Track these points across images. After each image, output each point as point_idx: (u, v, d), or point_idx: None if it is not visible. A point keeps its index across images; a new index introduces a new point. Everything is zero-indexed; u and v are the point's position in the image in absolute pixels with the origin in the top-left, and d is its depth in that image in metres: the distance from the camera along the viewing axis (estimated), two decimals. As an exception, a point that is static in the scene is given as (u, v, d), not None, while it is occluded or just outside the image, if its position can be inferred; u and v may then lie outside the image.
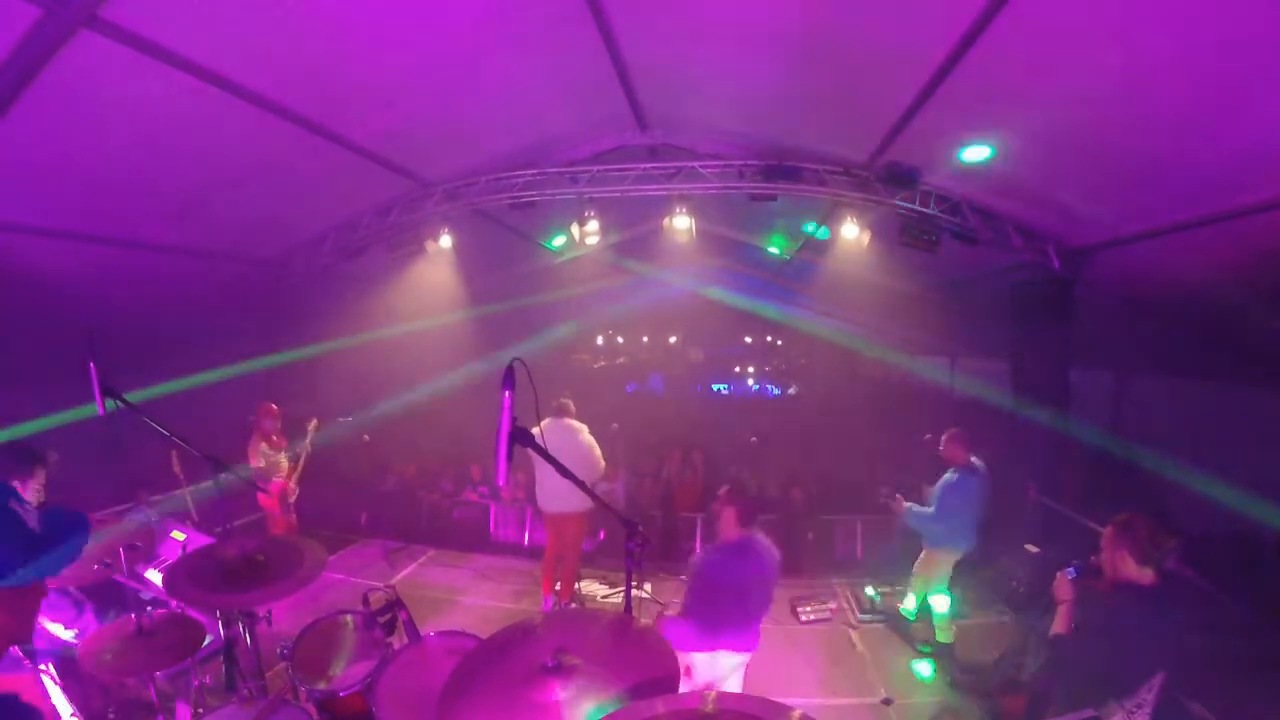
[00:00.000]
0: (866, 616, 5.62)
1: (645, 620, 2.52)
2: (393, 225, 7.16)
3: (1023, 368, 6.56)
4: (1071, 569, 2.81)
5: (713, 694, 1.43)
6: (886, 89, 4.60)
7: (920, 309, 9.94)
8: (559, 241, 10.19)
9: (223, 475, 3.10)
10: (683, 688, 2.00)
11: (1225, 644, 3.30)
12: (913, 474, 5.48)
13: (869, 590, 5.86)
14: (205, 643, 2.80)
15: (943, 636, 5.03)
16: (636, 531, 2.24)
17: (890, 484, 5.19)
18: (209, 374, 8.27)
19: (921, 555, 5.14)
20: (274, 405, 5.83)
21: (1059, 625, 2.74)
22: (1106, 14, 3.24)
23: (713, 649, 3.23)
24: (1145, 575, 2.50)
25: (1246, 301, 4.59)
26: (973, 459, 4.86)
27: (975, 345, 11.11)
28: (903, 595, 5.47)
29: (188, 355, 7.65)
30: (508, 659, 1.88)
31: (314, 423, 5.91)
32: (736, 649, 3.28)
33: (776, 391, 20.15)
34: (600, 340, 24.04)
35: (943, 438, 4.96)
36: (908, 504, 5.00)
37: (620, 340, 24.82)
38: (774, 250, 10.71)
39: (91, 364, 2.67)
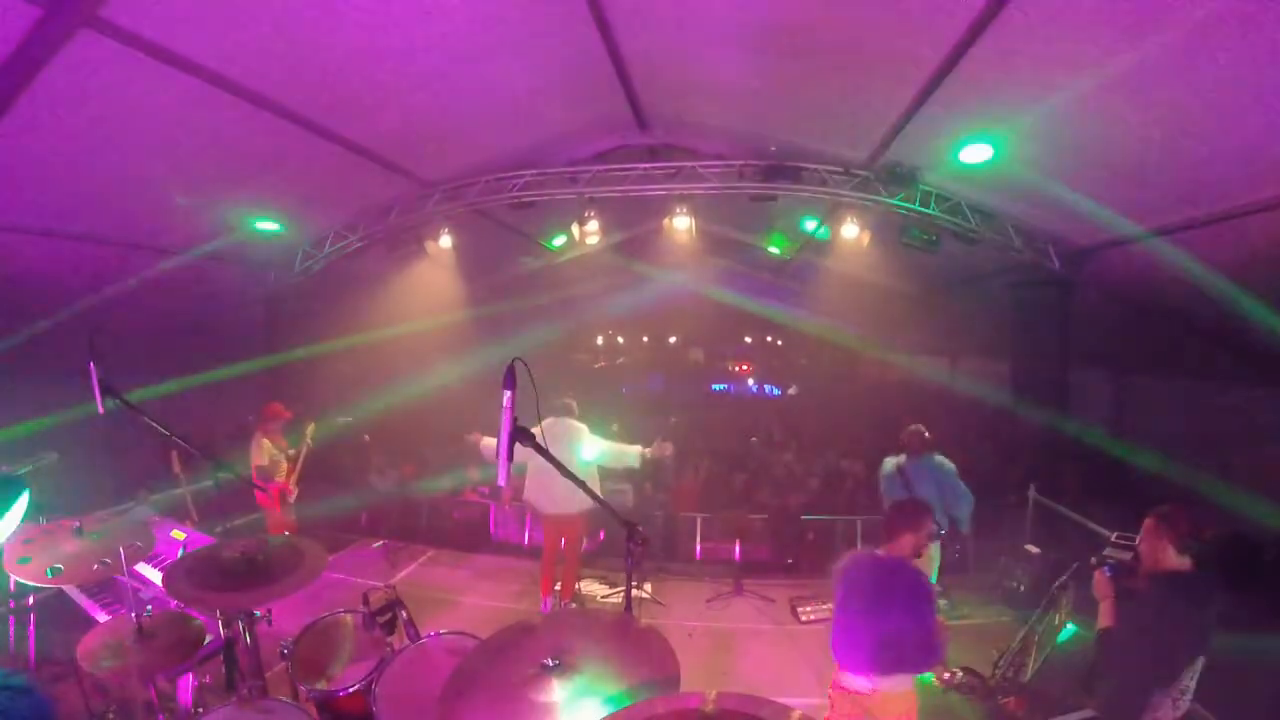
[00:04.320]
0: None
1: (645, 620, 2.51)
2: (393, 225, 7.16)
3: (1022, 368, 6.56)
4: (1107, 567, 2.90)
5: (713, 694, 1.43)
6: (887, 89, 4.61)
7: (920, 309, 9.95)
8: (559, 241, 10.19)
9: (222, 474, 3.09)
10: None
11: (1225, 643, 3.31)
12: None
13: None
14: (205, 643, 2.79)
15: None
16: (636, 532, 2.24)
17: None
18: (210, 374, 8.29)
19: None
20: (280, 406, 5.83)
21: (1105, 620, 2.79)
22: (1107, 14, 3.24)
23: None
24: (1184, 564, 2.57)
25: (1246, 302, 4.59)
26: (929, 455, 4.91)
27: (975, 345, 11.12)
28: None
29: (189, 355, 7.66)
30: (508, 659, 1.88)
31: (311, 426, 5.92)
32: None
33: (776, 392, 20.16)
34: (600, 340, 24.07)
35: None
36: None
37: (620, 340, 24.85)
38: (774, 250, 10.72)
39: (91, 364, 2.66)
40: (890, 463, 5.02)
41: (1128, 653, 2.64)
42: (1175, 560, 2.57)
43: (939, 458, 4.90)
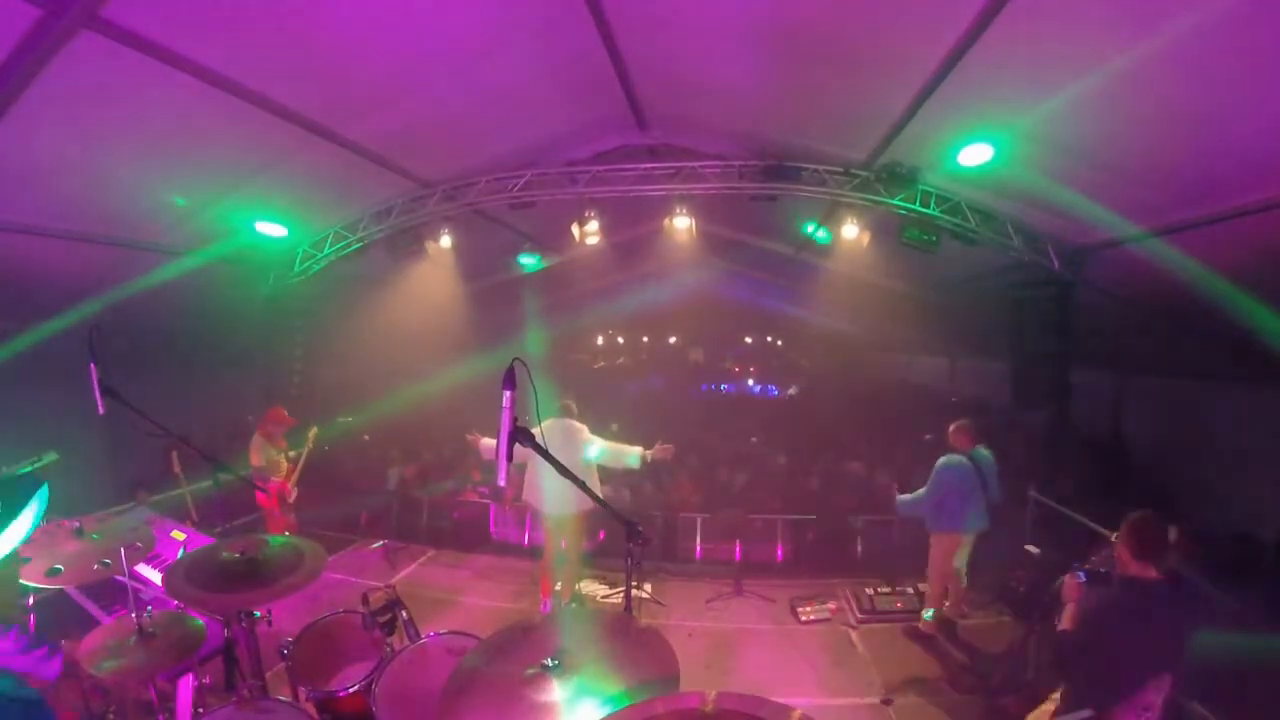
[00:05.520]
0: (866, 616, 5.62)
1: (645, 620, 2.52)
2: (393, 225, 7.16)
3: (1023, 368, 6.55)
4: (1082, 573, 2.93)
5: (712, 694, 1.43)
6: (886, 89, 4.61)
7: (920, 309, 9.94)
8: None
9: (222, 475, 3.09)
10: None
11: (1225, 643, 3.31)
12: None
13: (869, 590, 5.86)
14: (205, 643, 2.79)
15: (925, 628, 5.19)
16: (636, 531, 2.24)
17: (890, 477, 5.30)
18: (209, 374, 8.29)
19: (930, 553, 5.18)
20: (284, 412, 5.84)
21: (1065, 622, 2.81)
22: (1107, 14, 3.24)
23: None
24: (1147, 571, 2.56)
25: (1246, 302, 4.59)
26: (979, 448, 5.01)
27: (975, 345, 11.11)
28: (914, 598, 5.52)
29: (188, 355, 7.66)
30: (508, 659, 1.88)
31: (314, 430, 5.93)
32: None
33: (776, 391, 20.16)
34: (600, 340, 24.09)
35: (951, 428, 5.09)
36: (901, 495, 5.20)
37: (620, 340, 24.88)
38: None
39: (92, 364, 2.67)
40: (955, 459, 4.95)
41: (1084, 657, 2.63)
42: (1137, 568, 2.58)
43: (985, 450, 5.04)
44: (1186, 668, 2.49)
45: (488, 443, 5.14)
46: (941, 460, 4.98)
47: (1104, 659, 2.51)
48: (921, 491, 5.03)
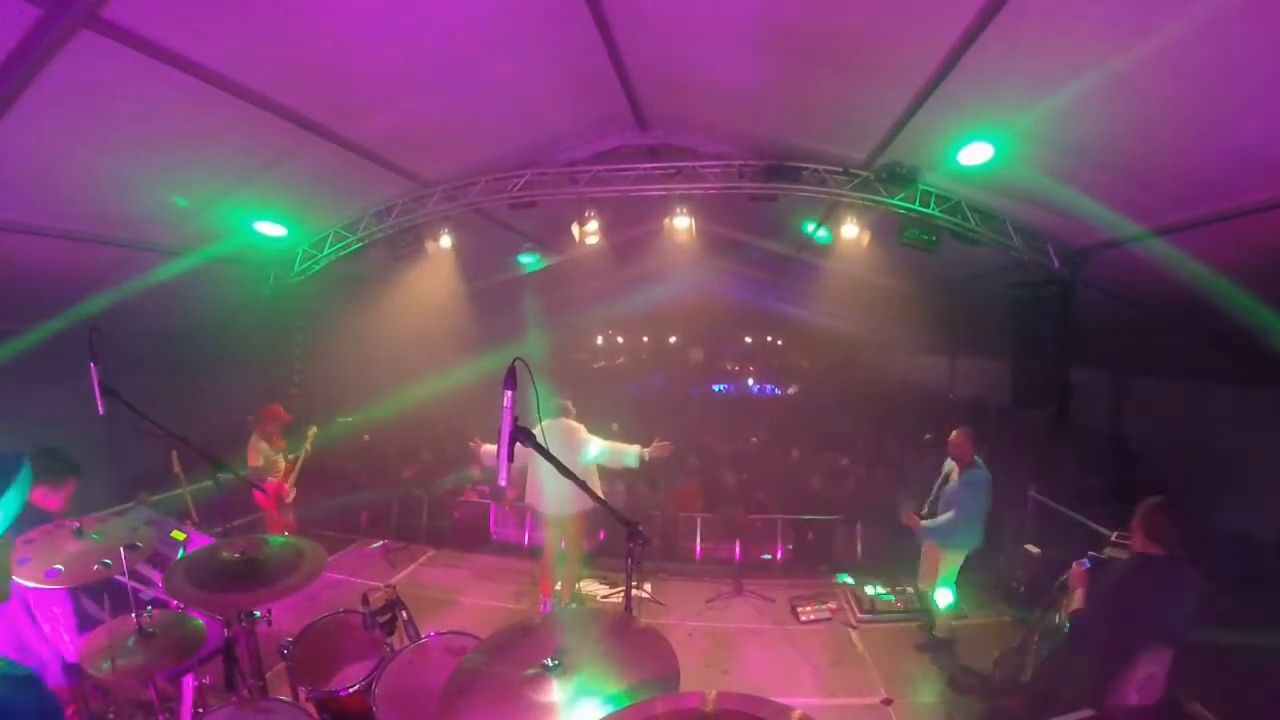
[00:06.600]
0: (867, 616, 5.62)
1: (645, 620, 2.52)
2: (393, 225, 7.16)
3: (1022, 368, 6.55)
4: (1085, 560, 3.17)
5: (712, 693, 1.43)
6: (887, 88, 4.61)
7: (920, 309, 9.94)
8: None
9: (222, 475, 3.09)
10: None
11: (1225, 642, 3.34)
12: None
13: (869, 590, 5.86)
14: (205, 643, 2.79)
15: (940, 632, 5.06)
16: (637, 531, 2.23)
17: (910, 502, 5.18)
18: (209, 374, 8.28)
19: (924, 557, 5.12)
20: (280, 409, 5.84)
21: (1075, 604, 3.07)
22: (1107, 13, 3.24)
23: None
24: (1151, 548, 2.85)
25: (1245, 301, 4.59)
26: (976, 456, 4.89)
27: (975, 345, 11.11)
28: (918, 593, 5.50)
29: (188, 355, 7.65)
30: (508, 659, 1.88)
31: (313, 430, 5.93)
32: None
33: (775, 391, 20.15)
34: (600, 340, 24.09)
35: (953, 434, 4.92)
36: (925, 522, 4.96)
37: (620, 340, 24.86)
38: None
39: (92, 364, 2.66)
40: (979, 475, 4.79)
41: (1094, 629, 2.89)
42: (1141, 545, 2.90)
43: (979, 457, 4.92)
44: (1183, 648, 2.69)
45: (489, 449, 5.15)
46: (966, 477, 4.79)
47: (1113, 624, 2.76)
48: (951, 515, 4.79)
